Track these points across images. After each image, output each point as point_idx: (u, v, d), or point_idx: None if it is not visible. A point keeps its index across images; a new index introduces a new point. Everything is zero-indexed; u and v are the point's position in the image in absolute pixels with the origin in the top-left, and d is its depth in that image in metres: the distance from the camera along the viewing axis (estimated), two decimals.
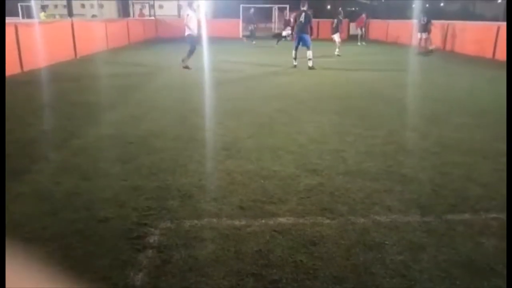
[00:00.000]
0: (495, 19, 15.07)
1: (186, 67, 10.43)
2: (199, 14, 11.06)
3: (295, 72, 10.43)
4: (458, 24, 16.72)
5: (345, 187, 3.35)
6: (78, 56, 12.58)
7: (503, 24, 13.38)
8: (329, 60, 13.18)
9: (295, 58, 11.07)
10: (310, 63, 10.72)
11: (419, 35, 15.57)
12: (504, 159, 3.98)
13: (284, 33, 19.97)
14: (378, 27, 23.94)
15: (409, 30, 20.06)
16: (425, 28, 15.27)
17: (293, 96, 7.17)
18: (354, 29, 25.81)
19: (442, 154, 4.24)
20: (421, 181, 3.52)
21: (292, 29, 11.58)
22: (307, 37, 10.65)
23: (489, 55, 13.41)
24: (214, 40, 19.70)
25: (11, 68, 8.90)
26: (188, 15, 10.60)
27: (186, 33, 10.57)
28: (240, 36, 24.02)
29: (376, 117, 5.76)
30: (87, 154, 4.11)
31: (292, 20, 11.70)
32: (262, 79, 9.26)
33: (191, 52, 10.53)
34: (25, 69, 9.51)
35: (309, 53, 10.71)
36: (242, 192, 3.25)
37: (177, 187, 3.31)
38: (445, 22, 17.02)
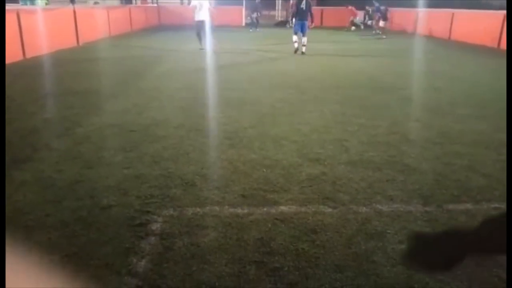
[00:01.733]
0: (502, 8, 14.98)
1: (202, 49, 11.55)
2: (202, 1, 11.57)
3: (297, 60, 10.37)
4: (463, 13, 16.54)
5: (347, 177, 3.36)
6: (80, 43, 12.53)
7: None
8: (329, 48, 13.10)
9: (296, 42, 11.40)
10: (304, 49, 11.21)
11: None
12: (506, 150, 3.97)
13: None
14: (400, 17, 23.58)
15: (413, 19, 19.87)
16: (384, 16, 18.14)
17: (295, 86, 7.14)
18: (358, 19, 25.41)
19: (444, 144, 4.23)
20: (424, 171, 3.52)
21: (293, 16, 11.83)
22: (306, 24, 11.14)
23: (494, 44, 13.28)
24: (216, 28, 19.55)
25: (14, 55, 8.89)
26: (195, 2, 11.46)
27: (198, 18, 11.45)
28: (243, 24, 23.75)
29: (378, 107, 5.74)
30: (89, 143, 4.12)
31: (293, 6, 11.99)
32: (264, 67, 9.21)
33: (199, 37, 11.63)
34: (28, 56, 9.49)
35: (305, 40, 11.17)
36: (244, 181, 3.26)
37: (180, 175, 3.32)
38: (449, 11, 16.81)
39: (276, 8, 35.38)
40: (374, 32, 19.08)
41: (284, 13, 28.85)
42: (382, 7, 18.56)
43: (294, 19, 11.62)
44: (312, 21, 11.32)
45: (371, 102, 6.01)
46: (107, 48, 12.49)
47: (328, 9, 25.17)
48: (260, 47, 13.16)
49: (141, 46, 13.01)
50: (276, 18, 33.21)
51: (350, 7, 22.54)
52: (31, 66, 8.73)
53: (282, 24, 25.47)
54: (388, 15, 18.84)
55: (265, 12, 35.02)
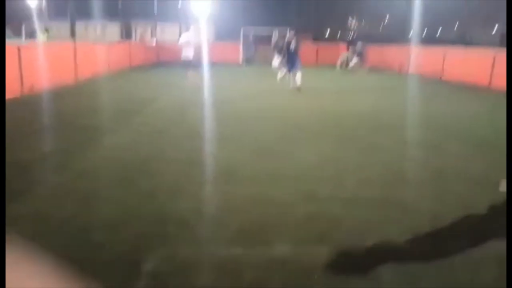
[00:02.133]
0: (491, 46, 15.57)
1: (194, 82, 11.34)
2: (198, 38, 11.84)
3: (295, 97, 10.52)
4: (454, 51, 17.03)
5: (344, 215, 3.34)
6: (79, 79, 12.70)
7: (499, 53, 13.62)
8: (325, 86, 13.35)
9: (284, 78, 12.14)
10: (298, 83, 11.30)
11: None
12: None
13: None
14: (374, 53, 24.24)
15: (406, 57, 20.38)
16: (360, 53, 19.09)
17: (292, 122, 7.22)
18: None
19: (439, 183, 4.24)
20: (420, 209, 3.51)
21: (283, 56, 12.27)
22: (298, 60, 11.45)
23: (485, 83, 13.55)
24: (212, 65, 19.97)
25: (13, 90, 8.96)
26: (185, 39, 11.41)
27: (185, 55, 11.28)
28: (240, 62, 24.14)
29: (374, 145, 5.78)
30: (85, 178, 4.11)
31: (275, 45, 13.19)
32: (263, 103, 9.33)
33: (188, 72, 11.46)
34: (26, 91, 9.57)
35: (299, 76, 11.31)
36: (240, 218, 3.23)
37: (174, 212, 3.29)
38: (441, 48, 17.30)
39: (272, 43, 36.08)
40: (361, 70, 19.45)
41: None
42: (359, 46, 19.41)
43: (278, 57, 12.55)
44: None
45: (367, 140, 6.07)
46: (106, 83, 12.65)
47: (322, 46, 25.90)
48: (253, 83, 13.38)
49: (139, 82, 13.20)
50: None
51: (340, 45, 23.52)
52: (29, 101, 8.79)
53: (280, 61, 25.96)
54: (365, 54, 19.73)
55: (262, 47, 35.77)
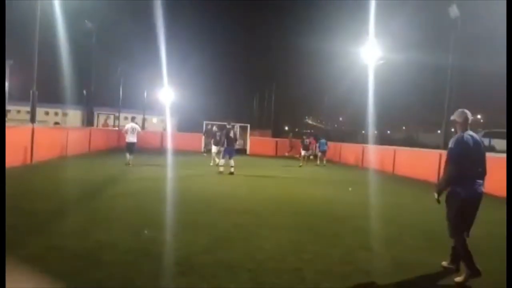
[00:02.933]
0: (437, 147, 17.18)
1: (129, 164, 13.67)
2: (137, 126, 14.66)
3: (253, 185, 10.61)
4: (404, 150, 18.32)
5: None
6: (34, 161, 12.29)
7: (443, 152, 14.74)
8: (285, 176, 13.66)
9: (222, 166, 13.32)
10: (232, 169, 13.05)
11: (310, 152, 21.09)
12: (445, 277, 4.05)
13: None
14: (332, 149, 25.58)
15: (360, 153, 21.63)
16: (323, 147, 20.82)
17: (250, 211, 7.18)
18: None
19: (396, 275, 4.24)
20: None
21: (222, 144, 13.64)
22: (234, 150, 13.55)
23: (433, 179, 14.39)
24: (177, 152, 20.13)
25: None
26: (128, 127, 14.28)
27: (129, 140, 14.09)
28: (202, 150, 24.86)
29: (331, 235, 5.81)
30: (28, 267, 3.77)
31: (221, 136, 14.38)
32: (221, 191, 9.30)
33: (131, 152, 13.97)
34: None
35: (232, 162, 13.19)
36: None
37: None
38: (391, 148, 18.53)
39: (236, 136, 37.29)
40: (319, 163, 20.65)
41: (242, 141, 30.46)
42: (307, 140, 21.00)
43: (224, 146, 13.41)
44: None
45: (325, 230, 6.09)
46: (61, 167, 12.30)
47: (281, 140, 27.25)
48: (214, 172, 13.49)
49: (95, 167, 12.94)
50: (236, 145, 34.65)
51: (293, 139, 25.94)
52: None
53: (240, 151, 26.75)
54: (311, 147, 21.62)
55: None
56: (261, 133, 41.04)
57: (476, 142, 4.24)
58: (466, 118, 4.34)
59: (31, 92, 15.35)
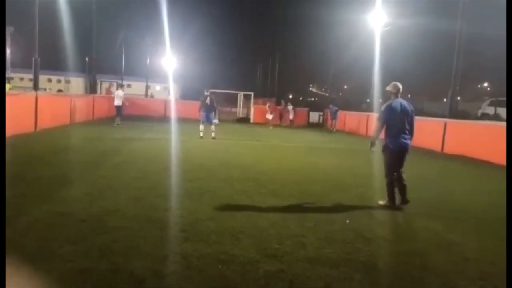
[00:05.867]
0: (442, 116, 17.08)
1: (118, 124, 16.52)
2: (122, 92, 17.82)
3: (256, 153, 10.64)
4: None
5: (305, 275, 3.28)
6: (38, 129, 12.33)
7: (450, 121, 14.67)
8: (288, 145, 13.67)
9: (201, 131, 13.91)
10: (213, 135, 13.88)
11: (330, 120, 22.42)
12: (458, 250, 4.10)
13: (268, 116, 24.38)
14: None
15: (364, 121, 21.50)
16: (334, 115, 21.97)
17: (253, 179, 7.23)
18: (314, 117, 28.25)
19: (397, 242, 4.30)
20: (380, 269, 3.52)
21: (199, 110, 14.05)
22: (212, 115, 14.10)
23: (437, 148, 14.37)
24: (180, 120, 20.11)
25: None
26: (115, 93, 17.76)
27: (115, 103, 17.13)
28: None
29: (334, 203, 5.86)
30: (34, 233, 3.84)
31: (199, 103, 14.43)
32: (223, 159, 9.34)
33: (119, 114, 16.98)
34: None
35: (213, 127, 14.08)
36: (197, 278, 3.09)
37: (129, 271, 3.11)
38: None
39: (238, 105, 37.27)
40: (329, 129, 20.96)
41: (246, 110, 30.38)
42: (334, 108, 21.98)
43: (201, 112, 13.94)
44: (214, 113, 14.44)
45: (327, 197, 6.14)
46: (65, 135, 12.35)
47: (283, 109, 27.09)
48: (218, 140, 13.51)
49: (100, 135, 12.98)
50: (238, 114, 34.69)
51: (268, 104, 26.59)
52: None
53: (244, 120, 26.77)
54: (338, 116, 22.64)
55: (227, 109, 36.72)
56: (265, 101, 40.84)
57: (403, 107, 5.60)
58: (398, 89, 5.69)
59: (33, 59, 15.21)
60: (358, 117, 23.56)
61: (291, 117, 25.50)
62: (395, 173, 5.63)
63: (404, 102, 5.69)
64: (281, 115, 26.10)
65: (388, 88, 5.84)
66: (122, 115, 17.33)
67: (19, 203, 4.78)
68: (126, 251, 3.52)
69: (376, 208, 5.69)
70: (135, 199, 5.34)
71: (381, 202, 5.73)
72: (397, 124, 5.56)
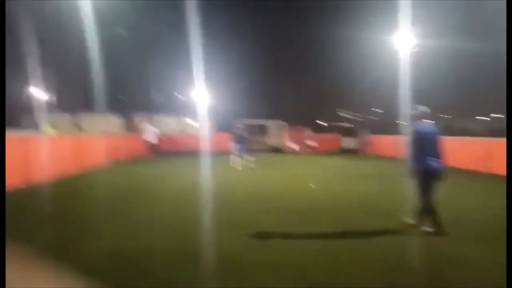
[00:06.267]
0: (481, 134, 16.45)
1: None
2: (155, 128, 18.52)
3: (291, 183, 10.61)
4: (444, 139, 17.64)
5: None
6: (82, 170, 12.90)
7: (493, 140, 13.99)
8: (324, 173, 13.58)
9: (237, 163, 14.21)
10: (250, 165, 14.24)
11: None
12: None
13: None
14: (371, 141, 25.13)
15: (397, 144, 21.03)
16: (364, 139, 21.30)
17: (290, 209, 7.20)
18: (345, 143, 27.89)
19: (443, 270, 4.17)
20: None
21: (233, 142, 14.59)
22: (245, 146, 14.68)
23: (481, 168, 13.71)
24: (214, 153, 20.42)
25: (14, 181, 9.05)
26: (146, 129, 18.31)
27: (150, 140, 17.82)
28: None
29: (373, 231, 5.75)
30: (78, 271, 4.01)
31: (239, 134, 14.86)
32: (258, 190, 9.38)
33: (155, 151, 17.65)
34: (28, 182, 9.64)
35: (247, 158, 14.42)
36: None
37: None
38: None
39: (269, 134, 37.33)
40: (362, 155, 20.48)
41: (278, 139, 30.22)
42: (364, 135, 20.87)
43: (235, 144, 14.42)
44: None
45: (367, 226, 6.04)
46: (107, 173, 12.83)
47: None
48: (254, 172, 13.61)
49: (139, 172, 13.41)
50: (269, 144, 34.69)
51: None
52: (30, 193, 8.83)
53: (276, 150, 26.71)
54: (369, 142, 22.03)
55: (259, 139, 36.88)
56: (298, 129, 40.61)
57: (429, 131, 5.63)
58: (423, 113, 5.74)
59: (76, 103, 16.14)
60: (392, 140, 23.08)
61: (311, 143, 25.37)
62: (430, 198, 5.54)
63: (430, 125, 5.74)
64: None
65: (412, 112, 5.89)
66: (157, 151, 17.81)
67: (64, 242, 5.01)
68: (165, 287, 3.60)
69: (418, 234, 5.54)
70: (173, 233, 5.46)
71: (425, 228, 5.58)
72: (424, 148, 5.56)
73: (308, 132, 26.98)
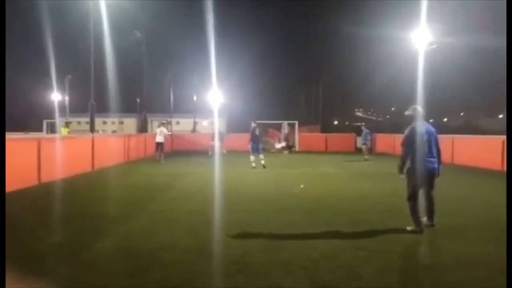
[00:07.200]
0: (499, 133, 16.05)
1: (161, 161, 16.60)
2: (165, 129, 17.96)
3: (304, 182, 10.53)
4: (462, 138, 17.41)
5: None
6: (95, 168, 13.06)
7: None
8: (336, 172, 13.45)
9: (253, 161, 14.24)
10: (263, 162, 14.34)
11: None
12: None
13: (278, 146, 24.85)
14: (385, 141, 24.78)
15: None
16: (365, 138, 19.78)
17: (303, 208, 7.16)
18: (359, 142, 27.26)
19: (459, 270, 4.05)
20: None
21: (250, 141, 14.51)
22: (260, 146, 14.96)
23: (497, 167, 13.49)
24: (228, 153, 20.46)
25: (29, 180, 9.21)
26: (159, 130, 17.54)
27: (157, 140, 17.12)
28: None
29: (388, 231, 5.64)
30: (94, 268, 4.04)
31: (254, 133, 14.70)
32: (272, 189, 9.35)
33: (160, 151, 16.97)
34: (43, 181, 9.81)
35: (262, 156, 14.60)
36: None
37: None
38: (448, 137, 17.45)
39: (283, 134, 37.25)
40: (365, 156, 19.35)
41: (292, 139, 30.00)
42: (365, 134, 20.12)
43: (251, 143, 14.40)
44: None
45: (381, 225, 5.93)
46: (120, 173, 12.96)
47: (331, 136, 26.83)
48: (267, 170, 13.56)
49: (154, 171, 13.51)
50: (282, 143, 34.65)
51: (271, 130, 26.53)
52: (45, 191, 8.98)
53: (289, 149, 26.51)
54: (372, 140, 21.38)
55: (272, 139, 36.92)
56: (310, 129, 40.54)
57: (426, 130, 5.54)
58: (418, 112, 5.67)
59: (89, 104, 16.34)
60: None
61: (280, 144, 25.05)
62: (425, 196, 5.61)
63: (426, 125, 5.71)
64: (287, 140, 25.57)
65: (407, 112, 5.81)
66: (163, 151, 17.27)
67: (81, 238, 5.06)
68: (180, 285, 3.59)
69: (427, 234, 5.42)
70: (188, 232, 5.46)
71: (409, 228, 5.52)
72: (422, 147, 5.49)
73: (284, 129, 26.53)
